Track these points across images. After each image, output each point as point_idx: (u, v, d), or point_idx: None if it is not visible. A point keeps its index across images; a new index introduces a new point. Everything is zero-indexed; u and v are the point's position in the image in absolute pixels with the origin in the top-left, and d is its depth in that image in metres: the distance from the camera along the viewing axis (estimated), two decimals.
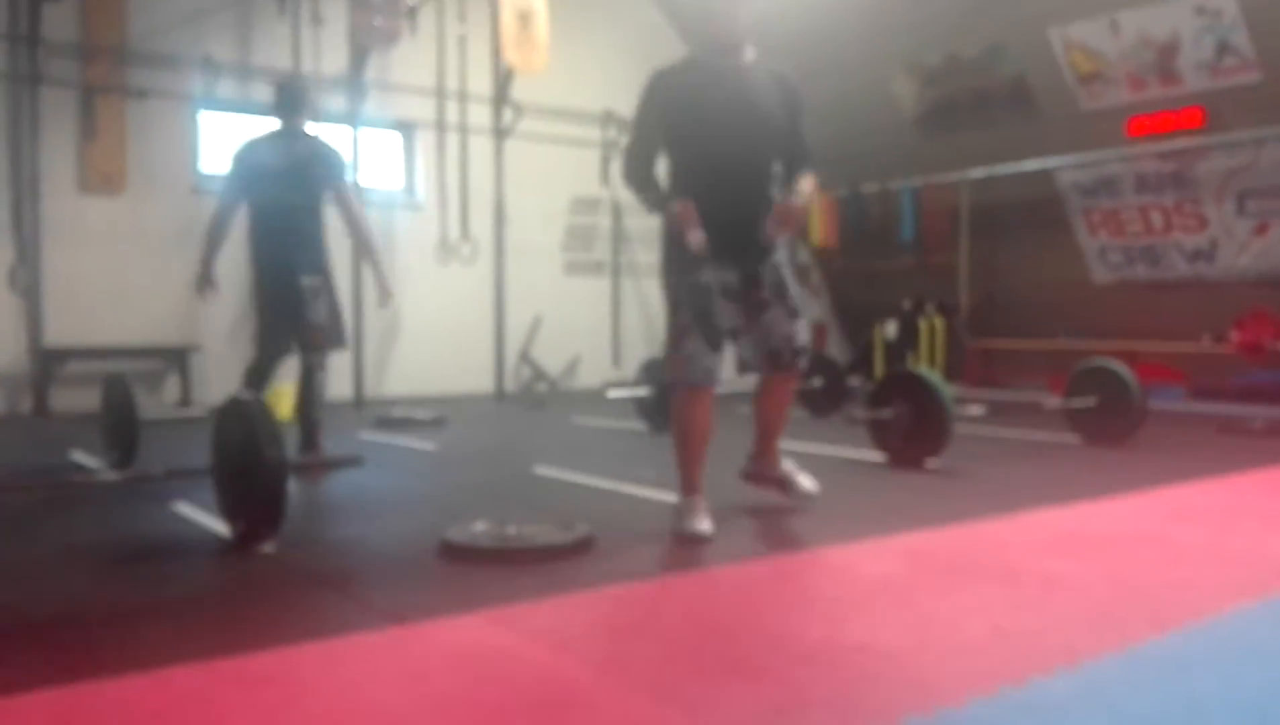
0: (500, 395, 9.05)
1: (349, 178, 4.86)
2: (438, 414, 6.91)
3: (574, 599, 2.42)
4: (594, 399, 8.19)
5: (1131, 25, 8.02)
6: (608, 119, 9.55)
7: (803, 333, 3.43)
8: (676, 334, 3.25)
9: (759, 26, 3.39)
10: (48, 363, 7.29)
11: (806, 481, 3.60)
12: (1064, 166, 8.92)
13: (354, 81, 8.38)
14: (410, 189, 9.29)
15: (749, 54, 3.35)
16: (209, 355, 7.80)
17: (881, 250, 10.59)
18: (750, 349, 3.44)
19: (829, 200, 10.66)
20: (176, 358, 7.80)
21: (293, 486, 3.12)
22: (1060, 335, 9.26)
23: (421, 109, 8.81)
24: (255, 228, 4.58)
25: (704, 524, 3.13)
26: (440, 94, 8.73)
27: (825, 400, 7.05)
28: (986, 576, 2.64)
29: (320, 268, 4.64)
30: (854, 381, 8.04)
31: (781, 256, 3.42)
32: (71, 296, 7.41)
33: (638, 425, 6.18)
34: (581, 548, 2.91)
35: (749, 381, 3.69)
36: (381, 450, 5.34)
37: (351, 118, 8.39)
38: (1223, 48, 7.66)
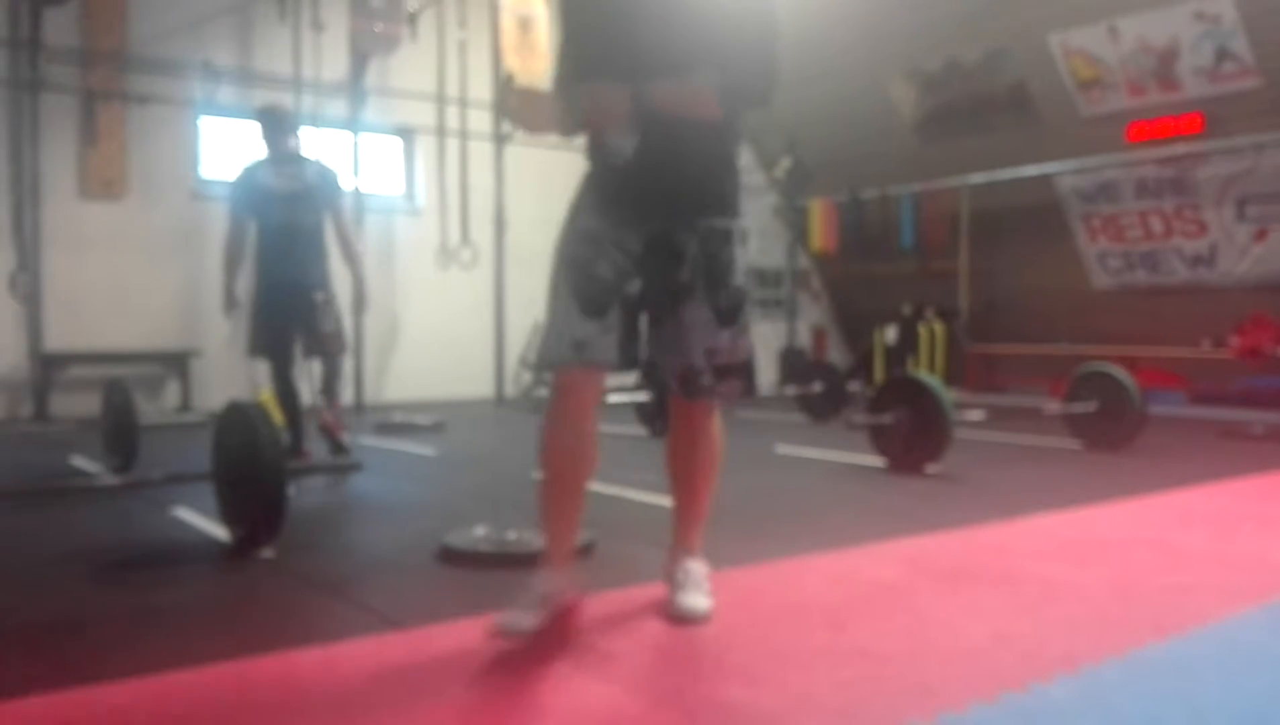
0: (500, 400, 9.05)
1: (346, 200, 5.09)
2: (438, 419, 6.91)
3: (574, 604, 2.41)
4: None
5: (1131, 31, 8.03)
6: None
7: (740, 350, 2.29)
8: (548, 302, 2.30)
9: None
10: (48, 368, 7.29)
11: (691, 600, 2.32)
12: (1064, 172, 8.92)
13: (354, 87, 8.39)
14: (410, 194, 9.30)
15: None
16: (209, 360, 7.80)
17: (881, 255, 10.60)
18: (659, 352, 2.30)
19: (829, 205, 10.67)
20: (176, 363, 7.80)
21: (292, 491, 3.12)
22: (1060, 340, 9.26)
23: (422, 114, 8.82)
24: (265, 248, 4.73)
25: (523, 620, 2.09)
26: (440, 99, 8.74)
27: (825, 405, 7.06)
28: (987, 582, 2.64)
29: (326, 283, 4.81)
30: (854, 386, 8.04)
31: (731, 226, 2.24)
32: (72, 302, 7.41)
33: (637, 430, 6.18)
34: (581, 553, 2.90)
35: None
36: (382, 455, 5.33)
37: (352, 123, 8.41)
38: (1222, 53, 7.67)
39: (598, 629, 2.25)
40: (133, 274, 7.71)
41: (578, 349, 2.15)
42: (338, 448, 4.79)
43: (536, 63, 8.61)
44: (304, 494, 4.11)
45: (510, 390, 9.32)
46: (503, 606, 2.11)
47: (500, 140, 9.07)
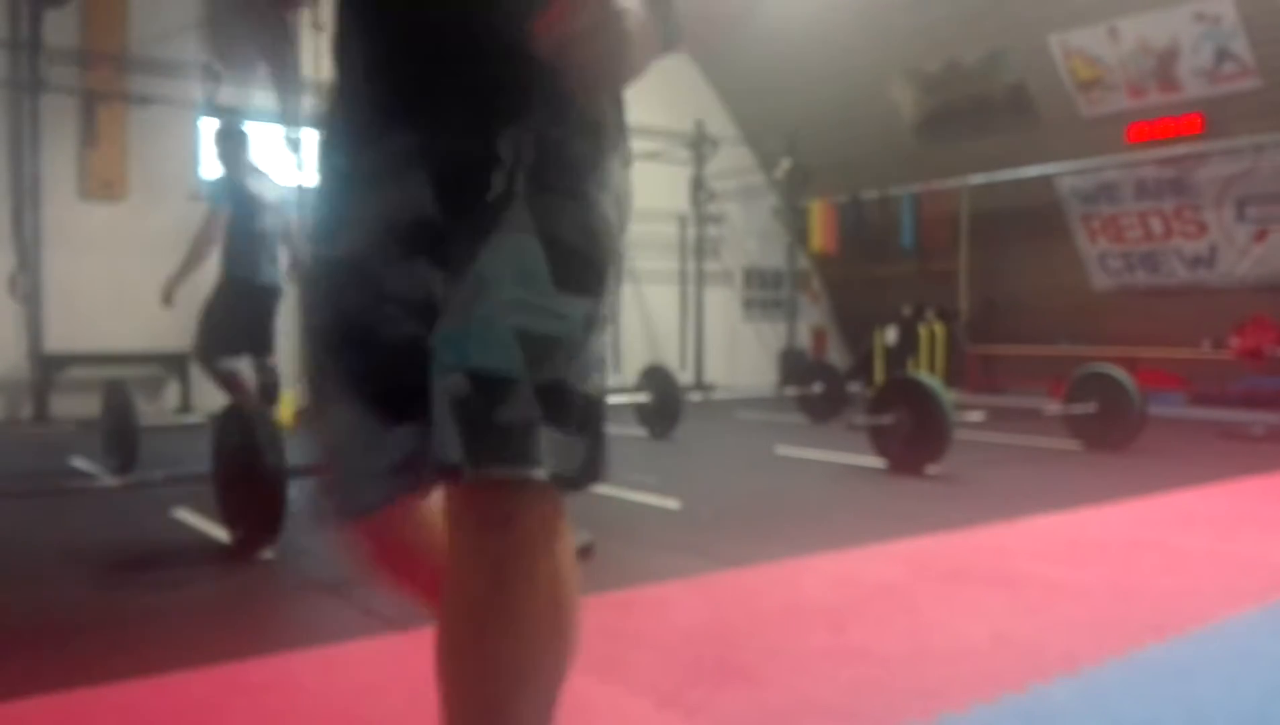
0: None
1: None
2: None
3: None
4: None
5: (1131, 32, 8.03)
6: None
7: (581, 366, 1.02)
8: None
9: None
10: (48, 368, 7.28)
11: None
12: (1064, 173, 8.92)
13: None
14: None
15: None
16: None
17: (881, 256, 10.60)
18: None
19: (829, 206, 10.68)
20: (176, 364, 7.78)
21: (293, 492, 3.12)
22: (1060, 341, 9.27)
23: None
24: (242, 252, 5.12)
25: None
26: None
27: (825, 406, 7.05)
28: (987, 582, 2.64)
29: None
30: (854, 387, 8.04)
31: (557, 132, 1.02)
32: (72, 302, 7.41)
33: (637, 431, 6.18)
34: (581, 554, 2.90)
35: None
36: None
37: None
38: (1222, 54, 7.68)
39: (598, 630, 2.25)
40: (133, 275, 7.70)
41: (354, 498, 1.12)
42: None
43: None
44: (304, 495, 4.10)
45: None
46: None
47: None
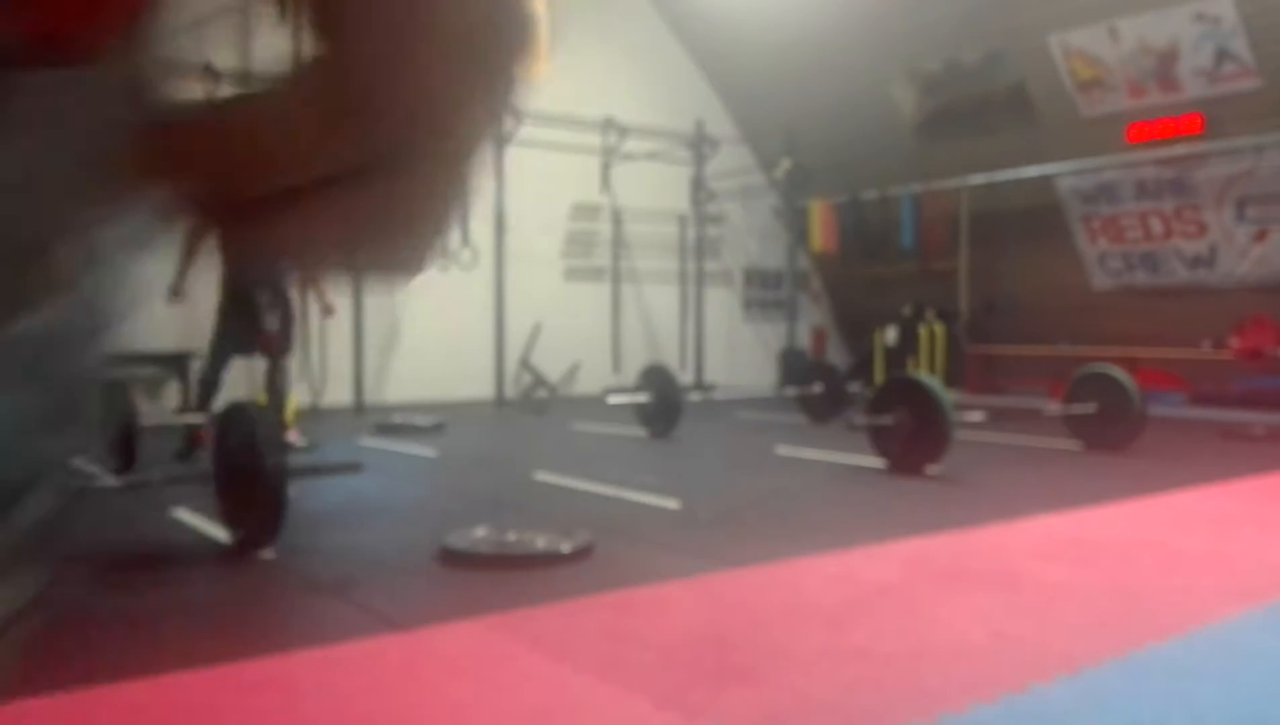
0: (500, 401, 9.05)
1: None
2: (438, 420, 6.90)
3: (574, 605, 2.42)
4: (594, 405, 8.18)
5: (1131, 32, 8.03)
6: (608, 126, 9.56)
7: None
8: None
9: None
10: None
11: None
12: (1064, 173, 8.93)
13: None
14: None
15: None
16: None
17: (881, 256, 10.61)
18: None
19: (829, 206, 10.68)
20: (176, 364, 7.79)
21: (292, 492, 3.12)
22: (1060, 341, 9.27)
23: None
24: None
25: None
26: None
27: (825, 406, 7.05)
28: (987, 583, 2.64)
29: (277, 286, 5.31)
30: (854, 387, 8.04)
31: None
32: None
33: (638, 431, 6.18)
34: (582, 554, 2.91)
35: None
36: (382, 456, 5.33)
37: None
38: (1222, 55, 7.68)
39: (598, 630, 2.25)
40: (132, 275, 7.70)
41: None
42: (186, 452, 5.14)
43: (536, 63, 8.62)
44: (305, 495, 4.11)
45: (510, 391, 9.32)
46: (503, 607, 2.11)
47: (500, 141, 9.06)
